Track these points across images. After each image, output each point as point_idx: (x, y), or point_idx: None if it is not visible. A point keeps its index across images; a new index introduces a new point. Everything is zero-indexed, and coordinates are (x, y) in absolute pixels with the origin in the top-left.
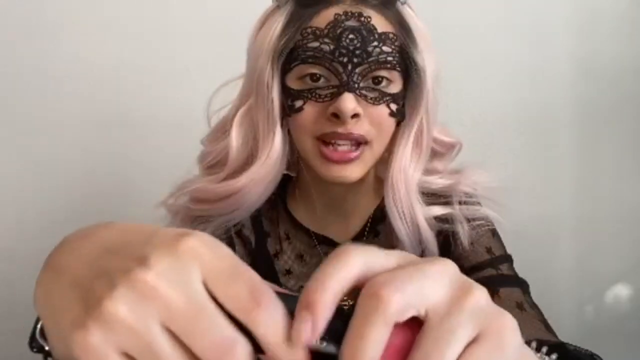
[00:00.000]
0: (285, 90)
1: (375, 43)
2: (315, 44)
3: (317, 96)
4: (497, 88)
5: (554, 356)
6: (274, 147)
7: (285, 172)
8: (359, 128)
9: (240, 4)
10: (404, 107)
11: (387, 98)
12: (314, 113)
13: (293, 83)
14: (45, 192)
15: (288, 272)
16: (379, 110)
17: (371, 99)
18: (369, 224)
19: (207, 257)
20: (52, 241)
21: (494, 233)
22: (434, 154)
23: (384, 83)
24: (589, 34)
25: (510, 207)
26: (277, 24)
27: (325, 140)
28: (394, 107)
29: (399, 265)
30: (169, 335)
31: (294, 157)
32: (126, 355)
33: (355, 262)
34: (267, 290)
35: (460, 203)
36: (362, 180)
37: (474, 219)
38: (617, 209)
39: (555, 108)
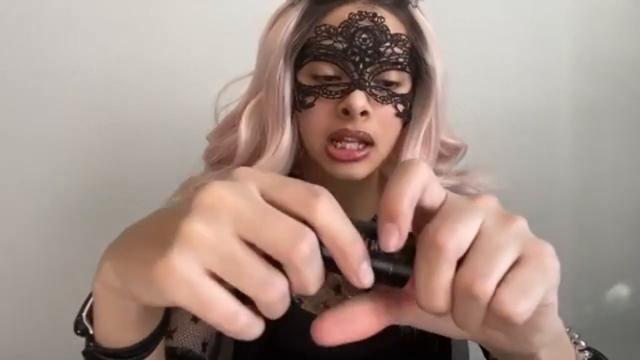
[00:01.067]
0: (296, 86)
1: (388, 44)
2: (329, 42)
3: (328, 93)
4: (496, 87)
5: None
6: (283, 142)
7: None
8: (367, 127)
9: (242, 3)
10: (411, 108)
11: (396, 98)
12: (325, 109)
13: (305, 79)
14: (46, 192)
15: None
16: (385, 110)
17: (380, 98)
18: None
19: (259, 174)
20: (53, 241)
21: None
22: (439, 157)
23: (393, 85)
24: (590, 33)
25: (511, 207)
26: (291, 20)
27: (334, 138)
28: (400, 107)
29: (447, 198)
30: (244, 244)
31: (299, 155)
32: (210, 274)
33: (425, 172)
34: (321, 187)
35: None
36: (367, 179)
37: None
38: (617, 209)
39: (556, 108)
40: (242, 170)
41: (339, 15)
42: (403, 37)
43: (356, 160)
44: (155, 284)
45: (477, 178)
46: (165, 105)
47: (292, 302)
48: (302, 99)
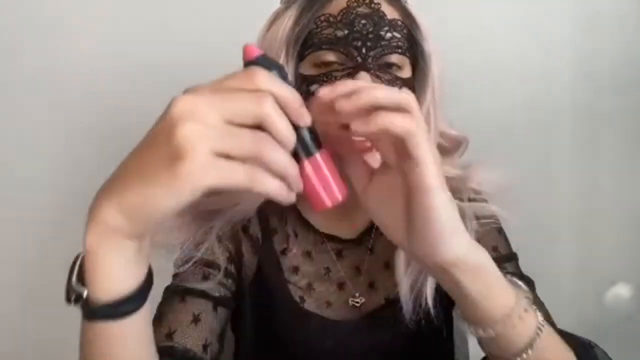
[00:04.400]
0: (299, 78)
1: (387, 28)
2: (330, 30)
3: (333, 78)
4: (496, 88)
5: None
6: None
7: None
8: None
9: (239, 5)
10: (414, 92)
11: (399, 82)
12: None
13: (307, 70)
14: (46, 192)
15: (295, 269)
16: None
17: (385, 80)
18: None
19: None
20: (52, 241)
21: (500, 231)
22: (441, 150)
23: (394, 68)
24: (590, 35)
25: (511, 207)
26: (290, 18)
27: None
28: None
29: None
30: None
31: None
32: (218, 154)
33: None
34: (255, 70)
35: (468, 200)
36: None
37: (482, 217)
38: (617, 209)
39: (556, 108)
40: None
41: (337, 5)
42: (400, 22)
43: (367, 150)
44: (182, 184)
45: (479, 174)
46: (163, 106)
47: (294, 302)
48: (306, 88)
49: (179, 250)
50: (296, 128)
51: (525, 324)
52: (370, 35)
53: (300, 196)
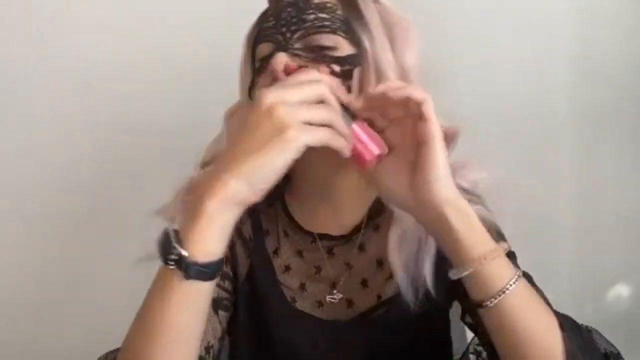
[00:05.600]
0: (255, 72)
1: (311, 11)
2: (264, 25)
3: (263, 68)
4: (496, 88)
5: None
6: None
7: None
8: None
9: (240, 5)
10: (352, 71)
11: (328, 59)
12: (264, 85)
13: (257, 64)
14: (45, 192)
15: (287, 268)
16: (320, 70)
17: (308, 58)
18: (365, 218)
19: (276, 93)
20: (51, 240)
21: (497, 230)
22: None
23: (326, 48)
24: (589, 34)
25: (510, 207)
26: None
27: None
28: (336, 67)
29: None
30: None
31: None
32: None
33: None
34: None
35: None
36: (344, 165)
37: (481, 218)
38: (617, 209)
39: (555, 108)
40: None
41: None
42: (329, 4)
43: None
44: (289, 145)
45: (472, 173)
46: (163, 105)
47: (287, 302)
48: (256, 81)
49: None
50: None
51: (500, 267)
52: (294, 20)
53: (289, 195)
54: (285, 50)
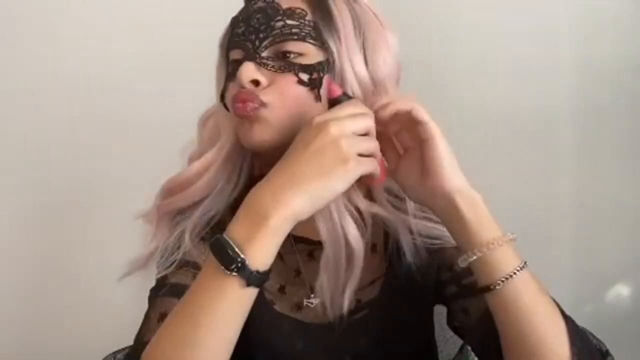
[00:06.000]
0: (228, 77)
1: (279, 18)
2: (235, 31)
3: (232, 75)
4: (497, 88)
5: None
6: (230, 133)
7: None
8: (263, 95)
9: (229, 6)
10: (320, 79)
11: (296, 67)
12: (233, 91)
13: (230, 68)
14: (39, 191)
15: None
16: (286, 78)
17: (275, 67)
18: None
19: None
20: (44, 238)
21: None
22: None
23: (292, 55)
24: (590, 35)
25: (511, 207)
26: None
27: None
28: (304, 76)
29: None
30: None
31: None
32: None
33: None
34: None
35: None
36: None
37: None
38: (617, 209)
39: (556, 108)
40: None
41: (243, 7)
42: (298, 10)
43: (247, 114)
44: (348, 174)
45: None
46: (153, 104)
47: (266, 305)
48: (226, 87)
49: (159, 255)
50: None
51: (506, 253)
52: (262, 27)
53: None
54: (252, 59)
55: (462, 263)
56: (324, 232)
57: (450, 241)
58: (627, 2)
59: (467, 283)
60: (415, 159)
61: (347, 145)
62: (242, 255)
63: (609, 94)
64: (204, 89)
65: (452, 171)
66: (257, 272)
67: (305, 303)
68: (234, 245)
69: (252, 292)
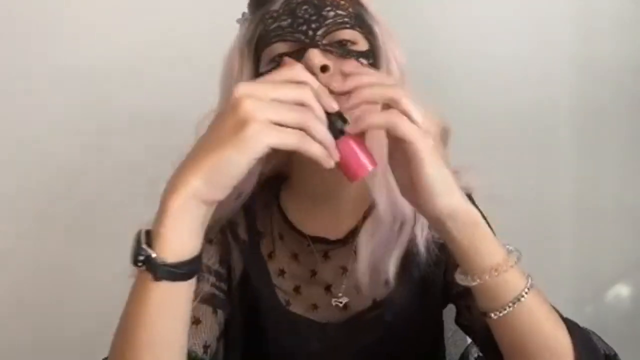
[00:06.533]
0: (258, 76)
1: (329, 8)
2: (275, 24)
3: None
4: (497, 88)
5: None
6: None
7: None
8: (332, 82)
9: (229, 3)
10: (373, 66)
11: (355, 54)
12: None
13: (266, 67)
14: (41, 191)
15: (282, 272)
16: (350, 63)
17: (338, 53)
18: (361, 223)
19: (253, 87)
20: (46, 238)
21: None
22: None
23: (348, 44)
24: (591, 35)
25: (512, 207)
26: (244, 27)
27: None
28: (364, 61)
29: None
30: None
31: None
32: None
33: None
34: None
35: None
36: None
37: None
38: (617, 209)
39: (556, 108)
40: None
41: (279, 0)
42: (342, 2)
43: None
44: (248, 144)
45: (468, 179)
46: (157, 103)
47: (281, 305)
48: None
49: None
50: (328, 115)
51: (511, 279)
52: (313, 17)
53: (286, 196)
54: (316, 46)
55: (460, 282)
56: (380, 195)
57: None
58: (627, 2)
59: None
60: (404, 168)
61: (250, 107)
62: (146, 248)
63: (609, 94)
64: (206, 89)
65: (443, 192)
66: (165, 264)
67: (333, 302)
68: (142, 238)
69: (173, 287)
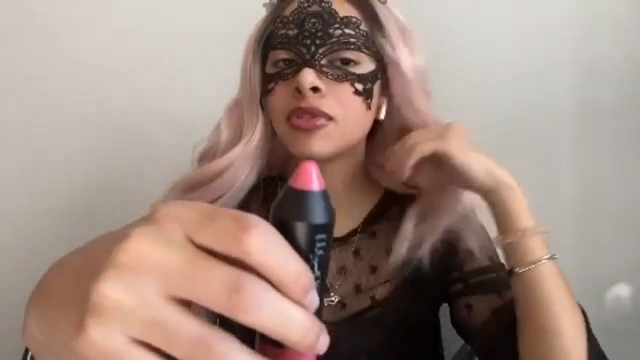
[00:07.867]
0: (263, 76)
1: (337, 25)
2: (283, 31)
3: (284, 76)
4: (497, 88)
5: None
6: (257, 129)
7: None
8: (322, 104)
9: (238, 4)
10: (372, 88)
11: (352, 77)
12: (282, 92)
13: (269, 69)
14: (45, 191)
15: None
16: (342, 88)
17: (333, 75)
18: (362, 224)
19: (182, 212)
20: (52, 241)
21: (493, 250)
22: None
23: (350, 64)
24: (590, 35)
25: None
26: (262, 19)
27: (290, 116)
28: (359, 86)
29: None
30: (173, 304)
31: (278, 155)
32: (137, 342)
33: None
34: (253, 216)
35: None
36: (349, 177)
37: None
38: (617, 209)
39: (556, 108)
40: (163, 211)
41: (291, 6)
42: (354, 19)
43: (315, 128)
44: (79, 357)
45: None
46: (163, 106)
47: None
48: (265, 86)
49: None
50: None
51: (536, 242)
52: (319, 33)
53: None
54: (312, 66)
55: (497, 243)
56: (425, 179)
57: (459, 234)
58: (627, 2)
59: (474, 282)
60: (433, 171)
61: (117, 307)
62: None
63: (609, 94)
64: (210, 89)
65: (484, 174)
66: None
67: (325, 302)
68: None
69: None
